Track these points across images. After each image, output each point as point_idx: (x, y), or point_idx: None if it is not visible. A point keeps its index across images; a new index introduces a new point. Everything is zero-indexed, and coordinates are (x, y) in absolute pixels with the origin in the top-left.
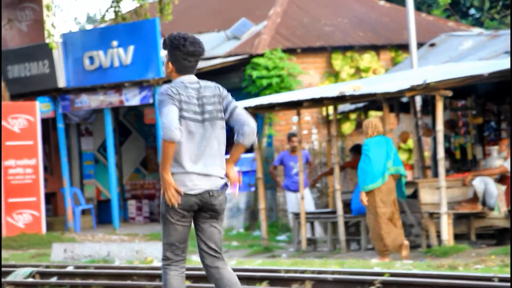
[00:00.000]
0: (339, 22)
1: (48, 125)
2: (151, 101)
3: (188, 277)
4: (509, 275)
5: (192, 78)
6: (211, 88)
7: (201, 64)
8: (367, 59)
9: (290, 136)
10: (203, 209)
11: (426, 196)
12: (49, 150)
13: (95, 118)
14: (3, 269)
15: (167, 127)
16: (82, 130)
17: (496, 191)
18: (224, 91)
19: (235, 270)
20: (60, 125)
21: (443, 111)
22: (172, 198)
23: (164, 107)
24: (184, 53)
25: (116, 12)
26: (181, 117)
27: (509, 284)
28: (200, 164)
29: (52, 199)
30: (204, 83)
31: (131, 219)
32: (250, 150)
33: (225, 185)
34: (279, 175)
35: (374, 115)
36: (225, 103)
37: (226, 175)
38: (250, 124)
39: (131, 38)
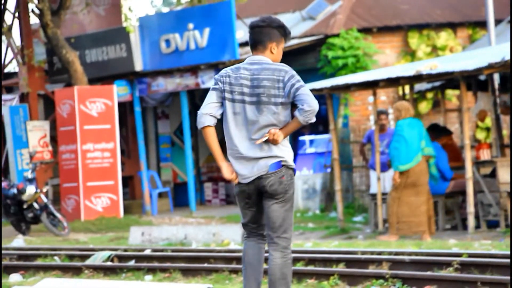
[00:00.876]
0: (415, 0)
1: (125, 108)
2: None
3: (265, 259)
4: None
5: (254, 58)
6: (271, 70)
7: None
8: (444, 37)
9: (379, 114)
10: (260, 190)
11: (504, 175)
12: (126, 133)
13: (172, 101)
14: (83, 252)
15: (198, 115)
16: (159, 113)
17: None
18: (287, 76)
19: (311, 252)
20: (137, 109)
21: None
22: (232, 181)
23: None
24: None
25: None
26: (225, 98)
27: None
28: (248, 147)
29: (130, 182)
30: (266, 65)
31: (208, 202)
32: (326, 131)
33: (280, 165)
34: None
35: (451, 93)
36: (287, 88)
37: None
38: (309, 103)
39: (207, 21)
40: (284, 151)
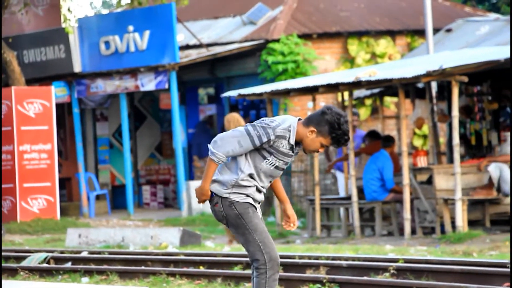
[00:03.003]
0: (355, 7)
1: (63, 110)
2: (166, 86)
3: (203, 263)
4: None
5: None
6: None
7: (217, 49)
8: (383, 45)
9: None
10: None
11: (441, 182)
12: (64, 135)
13: (111, 103)
14: (18, 254)
15: None
16: (98, 115)
17: None
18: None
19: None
20: (76, 110)
21: (458, 96)
22: None
23: None
24: None
25: None
26: None
27: None
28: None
29: (67, 184)
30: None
31: (146, 205)
32: None
33: (213, 194)
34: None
35: (389, 100)
36: None
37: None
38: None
39: (147, 23)
40: (217, 184)
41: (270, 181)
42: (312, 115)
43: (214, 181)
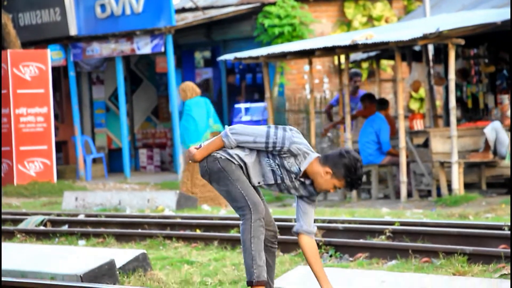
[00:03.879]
0: None
1: (59, 73)
2: (162, 49)
3: (200, 226)
4: None
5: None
6: None
7: (213, 13)
8: (379, 8)
9: (352, 76)
10: None
11: (437, 145)
12: (60, 98)
13: (107, 66)
14: (15, 216)
15: None
16: (94, 79)
17: (508, 140)
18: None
19: None
20: (72, 74)
21: (455, 59)
22: None
23: None
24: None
25: None
26: None
27: None
28: None
29: (63, 147)
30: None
31: (142, 168)
32: (261, 99)
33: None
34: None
35: (386, 64)
36: None
37: None
38: None
39: None
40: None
41: (259, 183)
42: (329, 155)
43: None
